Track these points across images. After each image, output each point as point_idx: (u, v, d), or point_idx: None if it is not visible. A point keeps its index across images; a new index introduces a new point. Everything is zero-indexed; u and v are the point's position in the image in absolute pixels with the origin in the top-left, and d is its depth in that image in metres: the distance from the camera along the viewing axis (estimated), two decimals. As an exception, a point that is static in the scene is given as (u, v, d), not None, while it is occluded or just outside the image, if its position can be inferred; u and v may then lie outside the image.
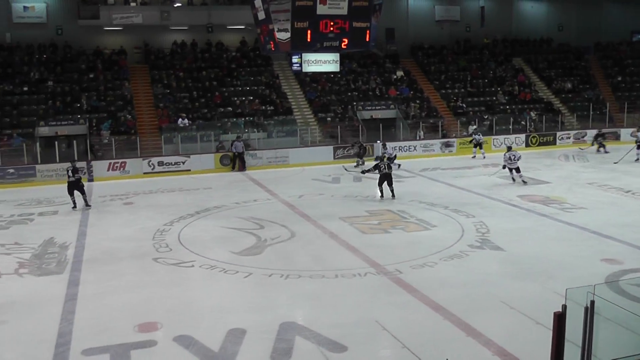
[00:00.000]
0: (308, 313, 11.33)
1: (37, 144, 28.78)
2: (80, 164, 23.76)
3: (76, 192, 21.20)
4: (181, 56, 36.36)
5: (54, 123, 30.24)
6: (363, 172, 22.33)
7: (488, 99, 38.17)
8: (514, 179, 23.08)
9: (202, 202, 21.52)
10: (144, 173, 27.88)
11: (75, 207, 21.14)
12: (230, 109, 33.15)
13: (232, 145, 29.14)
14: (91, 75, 33.92)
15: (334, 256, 14.81)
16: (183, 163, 28.55)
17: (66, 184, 21.46)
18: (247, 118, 32.62)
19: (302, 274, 13.37)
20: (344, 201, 21.18)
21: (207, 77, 34.99)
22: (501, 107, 37.41)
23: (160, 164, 28.30)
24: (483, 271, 13.31)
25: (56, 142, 28.61)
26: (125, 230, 18.00)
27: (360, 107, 34.95)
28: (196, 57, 36.44)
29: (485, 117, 35.84)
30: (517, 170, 22.95)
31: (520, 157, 23.03)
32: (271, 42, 15.87)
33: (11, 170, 27.09)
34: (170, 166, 28.33)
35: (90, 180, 26.76)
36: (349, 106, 34.66)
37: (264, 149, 30.17)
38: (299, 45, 15.53)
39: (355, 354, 9.56)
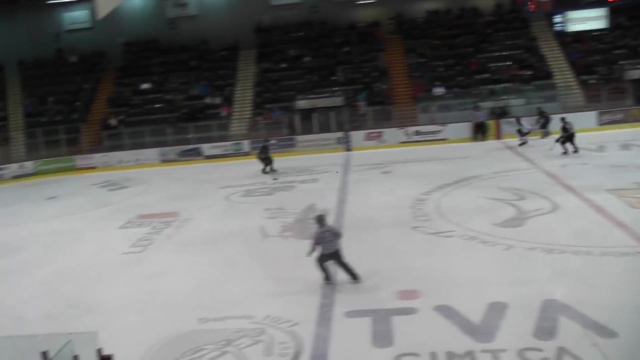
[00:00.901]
0: (572, 291, 10.49)
1: (297, 116, 30.39)
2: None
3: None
4: (435, 24, 36.04)
5: (312, 96, 31.62)
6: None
7: None
8: None
9: (459, 172, 21.18)
10: (400, 142, 28.23)
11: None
12: (486, 75, 32.23)
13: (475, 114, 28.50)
14: (346, 49, 34.93)
15: (600, 232, 13.65)
16: (439, 132, 28.40)
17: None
18: (504, 84, 31.49)
19: (565, 250, 12.54)
20: (610, 171, 19.51)
21: (462, 43, 34.31)
22: None
23: (417, 133, 28.43)
24: None
25: (314, 114, 29.95)
26: (384, 199, 18.30)
27: (628, 67, 31.96)
28: (450, 24, 35.90)
29: None
30: None
31: None
32: (529, 3, 15.05)
33: (273, 141, 28.98)
34: (426, 135, 28.36)
35: (349, 150, 27.71)
36: (616, 66, 31.90)
37: (522, 116, 28.91)
38: (563, 2, 14.52)
39: (627, 341, 8.69)
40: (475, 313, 9.83)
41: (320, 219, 11.89)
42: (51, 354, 6.55)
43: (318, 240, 11.70)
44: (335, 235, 11.84)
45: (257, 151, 25.56)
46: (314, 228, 11.99)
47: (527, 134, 25.16)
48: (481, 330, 9.30)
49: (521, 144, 25.27)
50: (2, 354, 7.92)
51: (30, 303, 12.57)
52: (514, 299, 10.24)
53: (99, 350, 6.73)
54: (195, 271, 13.41)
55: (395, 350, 8.95)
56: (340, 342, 9.43)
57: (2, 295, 13.29)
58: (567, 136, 22.49)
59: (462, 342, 8.99)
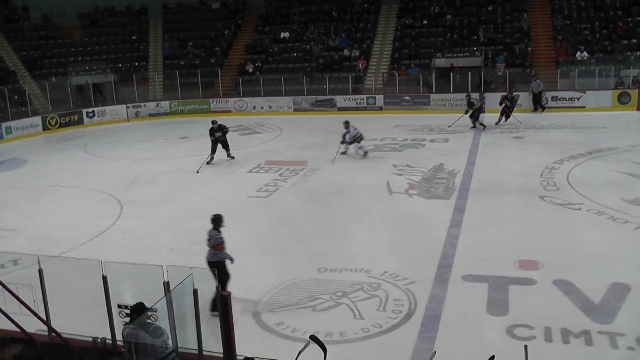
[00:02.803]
0: None
1: (433, 74, 30.06)
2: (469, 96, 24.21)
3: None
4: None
5: (450, 55, 30.99)
6: None
7: None
8: None
9: (594, 142, 20.37)
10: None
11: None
12: (634, 40, 30.39)
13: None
14: (489, 8, 33.92)
15: None
16: (578, 99, 27.26)
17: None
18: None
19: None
20: None
21: (611, 5, 32.40)
22: None
23: (554, 98, 27.43)
24: None
25: (451, 74, 29.51)
26: (513, 164, 18.00)
27: None
28: (603, -17, 33.92)
29: None
30: None
31: None
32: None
33: (407, 98, 28.97)
34: (564, 101, 27.31)
35: (482, 112, 27.19)
36: None
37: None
38: None
39: None
40: (595, 292, 9.64)
41: (216, 220, 10.39)
42: (172, 285, 6.95)
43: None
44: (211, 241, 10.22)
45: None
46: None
47: None
48: (600, 310, 9.13)
49: None
50: (130, 280, 8.68)
51: (157, 235, 13.55)
52: (638, 282, 9.94)
53: (218, 287, 7.02)
54: (317, 221, 13.86)
55: (508, 320, 9.00)
56: (454, 305, 9.57)
57: (131, 226, 14.38)
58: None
59: (579, 320, 8.88)
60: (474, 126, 23.61)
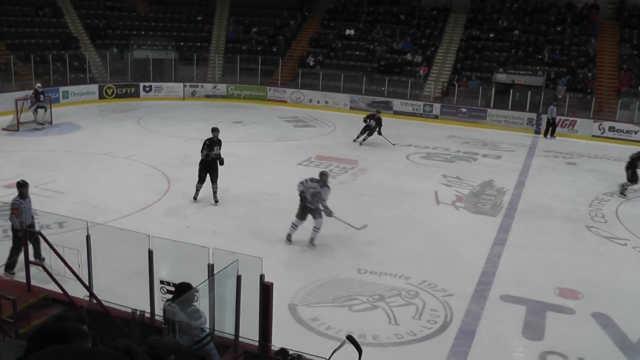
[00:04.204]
0: None
1: (493, 89, 29.88)
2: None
3: None
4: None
5: (513, 71, 30.71)
6: None
7: None
8: None
9: (649, 179, 20.07)
10: (593, 136, 26.99)
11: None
12: None
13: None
14: (558, 28, 33.52)
15: None
16: (635, 133, 26.78)
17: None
18: None
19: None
20: None
21: (682, 41, 31.87)
22: None
23: (612, 129, 27.04)
24: None
25: (511, 90, 29.30)
26: (563, 190, 17.88)
27: None
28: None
29: None
30: None
31: None
32: None
33: (464, 110, 28.86)
34: (621, 133, 26.89)
35: (537, 132, 27.01)
36: None
37: None
38: None
39: None
40: (634, 330, 9.64)
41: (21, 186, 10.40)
42: (217, 269, 7.10)
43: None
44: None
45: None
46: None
47: None
48: (636, 350, 9.13)
49: None
50: (174, 257, 8.90)
51: (201, 216, 13.87)
52: (678, 325, 9.90)
53: (262, 276, 7.07)
54: (361, 221, 13.91)
55: (543, 346, 9.06)
56: (490, 323, 9.65)
57: (176, 204, 14.70)
58: None
59: (613, 356, 8.91)
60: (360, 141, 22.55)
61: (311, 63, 33.16)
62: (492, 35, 33.61)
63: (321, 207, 12.38)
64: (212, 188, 14.69)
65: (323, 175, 12.46)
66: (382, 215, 14.63)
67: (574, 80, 30.22)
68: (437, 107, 29.37)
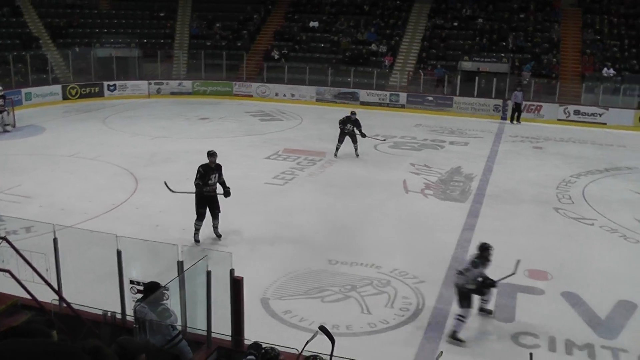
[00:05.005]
0: None
1: (459, 77, 30.09)
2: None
3: None
4: (619, 0, 33.99)
5: (478, 59, 30.99)
6: None
7: None
8: None
9: (613, 160, 20.39)
10: (558, 119, 27.31)
11: None
12: (664, 62, 30.29)
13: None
14: (522, 15, 33.81)
15: None
16: (600, 115, 27.18)
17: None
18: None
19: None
20: None
21: (643, 25, 32.31)
22: None
23: (577, 112, 27.38)
24: None
25: (477, 78, 29.51)
26: (530, 174, 18.04)
27: None
28: (635, 1, 33.71)
29: None
30: None
31: None
32: None
33: (430, 98, 29.05)
34: (586, 116, 27.24)
35: (504, 118, 27.25)
36: None
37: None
38: None
39: None
40: (602, 307, 9.77)
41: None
42: (186, 265, 7.08)
43: None
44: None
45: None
46: None
47: None
48: (605, 326, 9.26)
49: None
50: (143, 256, 8.80)
51: (169, 214, 13.62)
52: (646, 301, 10.04)
53: (232, 271, 7.04)
54: (331, 213, 13.96)
55: (514, 327, 9.14)
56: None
57: (145, 202, 14.54)
58: None
59: (584, 333, 9.02)
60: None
61: (276, 57, 33.02)
62: (456, 24, 33.79)
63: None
64: (213, 224, 12.37)
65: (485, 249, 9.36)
66: (351, 206, 14.61)
67: (538, 66, 30.52)
68: (403, 97, 29.48)
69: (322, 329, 5.43)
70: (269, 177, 16.69)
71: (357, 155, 19.22)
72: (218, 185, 12.19)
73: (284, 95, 30.95)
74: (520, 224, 13.69)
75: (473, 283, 8.93)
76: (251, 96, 31.31)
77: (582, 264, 11.63)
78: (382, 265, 11.06)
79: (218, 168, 12.23)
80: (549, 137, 23.81)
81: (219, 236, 12.36)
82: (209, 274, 6.90)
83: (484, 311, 9.47)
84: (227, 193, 12.09)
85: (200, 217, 12.08)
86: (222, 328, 7.15)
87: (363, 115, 23.81)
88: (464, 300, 8.91)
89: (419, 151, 20.50)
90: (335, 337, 5.28)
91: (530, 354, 5.76)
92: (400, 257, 11.54)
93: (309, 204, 14.73)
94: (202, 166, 12.06)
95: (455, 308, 9.16)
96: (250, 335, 7.00)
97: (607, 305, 9.85)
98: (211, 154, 12.16)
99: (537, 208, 14.90)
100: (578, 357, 8.48)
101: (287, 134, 22.83)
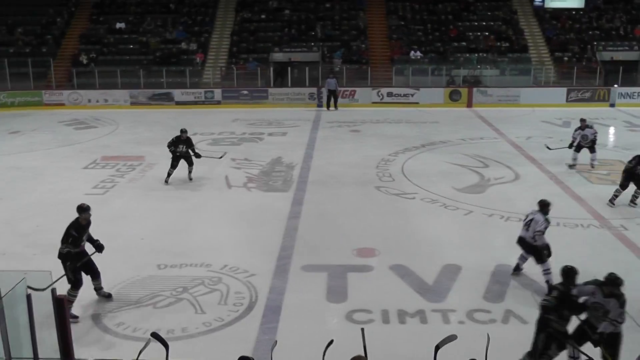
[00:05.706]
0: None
1: (271, 68, 30.25)
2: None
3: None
4: (419, -12, 35.76)
5: (288, 50, 31.42)
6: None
7: None
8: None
9: (428, 136, 21.39)
10: (373, 102, 28.25)
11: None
12: (464, 43, 32.27)
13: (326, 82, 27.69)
14: (327, 5, 34.63)
15: (557, 203, 13.74)
16: (412, 95, 28.43)
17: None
18: (480, 54, 31.60)
19: (523, 218, 12.80)
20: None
21: (443, 10, 34.18)
22: None
23: (390, 94, 28.47)
24: None
25: (289, 68, 29.80)
26: (350, 157, 18.42)
27: (600, 48, 32.17)
28: (433, -11, 35.65)
29: None
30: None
31: None
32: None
33: (245, 92, 28.97)
34: (399, 97, 28.39)
35: (320, 105, 27.72)
36: (589, 46, 32.11)
37: (495, 87, 29.06)
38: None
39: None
40: (429, 274, 10.09)
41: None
42: (4, 292, 6.50)
43: None
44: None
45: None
46: None
47: None
48: (433, 291, 9.57)
49: None
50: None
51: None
52: (468, 263, 10.54)
53: (54, 290, 6.70)
54: (156, 217, 13.40)
55: (347, 306, 9.14)
56: (295, 295, 9.58)
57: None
58: None
59: (414, 301, 9.23)
60: None
61: (85, 61, 31.43)
62: (263, 16, 33.96)
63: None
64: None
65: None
66: (175, 207, 14.10)
67: (348, 52, 31.39)
68: (218, 93, 29.11)
69: (154, 335, 5.31)
70: (88, 188, 15.67)
71: (191, 179, 16.25)
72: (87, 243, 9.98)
73: (97, 101, 29.46)
74: (344, 206, 13.85)
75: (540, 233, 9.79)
76: (63, 104, 29.49)
77: (408, 237, 11.94)
78: (212, 264, 10.72)
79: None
80: (365, 120, 24.48)
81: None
82: (29, 297, 6.51)
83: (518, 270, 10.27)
84: (100, 247, 9.83)
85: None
86: (50, 352, 6.73)
87: (180, 114, 23.32)
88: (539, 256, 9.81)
89: (239, 145, 20.28)
90: (171, 342, 5.11)
91: (362, 330, 5.70)
92: (229, 253, 11.25)
93: (132, 210, 14.03)
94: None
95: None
96: (83, 354, 6.81)
97: (434, 271, 10.19)
98: (84, 209, 9.76)
99: (359, 189, 15.16)
100: (411, 324, 8.66)
101: (104, 141, 21.70)
